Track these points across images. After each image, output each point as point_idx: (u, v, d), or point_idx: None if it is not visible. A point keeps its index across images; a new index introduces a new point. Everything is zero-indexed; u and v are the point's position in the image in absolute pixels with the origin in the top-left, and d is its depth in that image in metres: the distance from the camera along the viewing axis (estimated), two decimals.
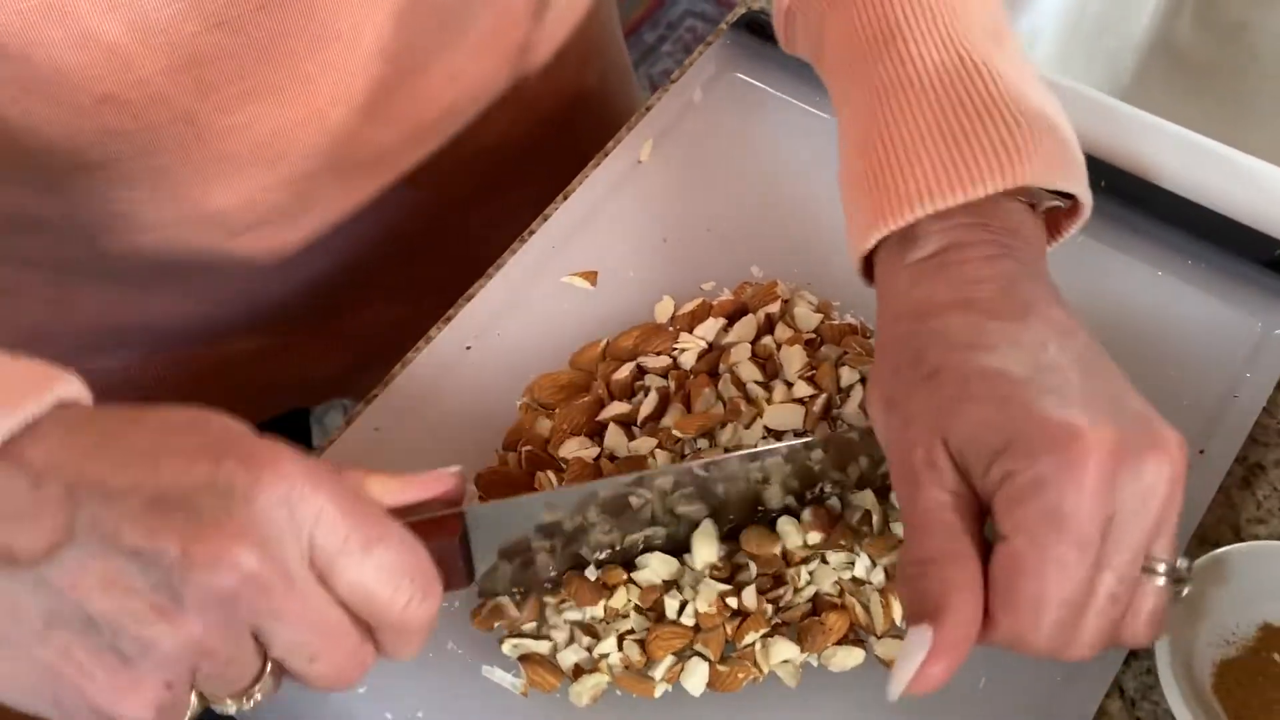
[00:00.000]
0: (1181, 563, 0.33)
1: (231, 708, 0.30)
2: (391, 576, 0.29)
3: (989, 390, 0.32)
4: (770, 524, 0.38)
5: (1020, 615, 0.31)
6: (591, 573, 0.37)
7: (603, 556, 0.38)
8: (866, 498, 0.38)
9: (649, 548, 0.38)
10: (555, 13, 0.56)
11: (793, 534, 0.38)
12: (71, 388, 0.30)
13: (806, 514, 0.38)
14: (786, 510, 0.38)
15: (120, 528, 0.27)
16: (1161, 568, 0.32)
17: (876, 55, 0.38)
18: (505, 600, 0.38)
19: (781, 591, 0.38)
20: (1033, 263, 0.35)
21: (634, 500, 0.36)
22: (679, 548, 0.38)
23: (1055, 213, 0.38)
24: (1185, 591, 0.34)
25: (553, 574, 0.38)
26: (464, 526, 0.34)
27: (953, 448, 0.32)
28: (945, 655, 0.31)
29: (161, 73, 0.41)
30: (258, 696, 0.30)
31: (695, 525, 0.38)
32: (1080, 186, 0.36)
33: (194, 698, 0.29)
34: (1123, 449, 0.31)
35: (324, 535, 0.28)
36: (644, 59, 1.73)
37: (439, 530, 0.33)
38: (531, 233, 0.48)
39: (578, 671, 0.38)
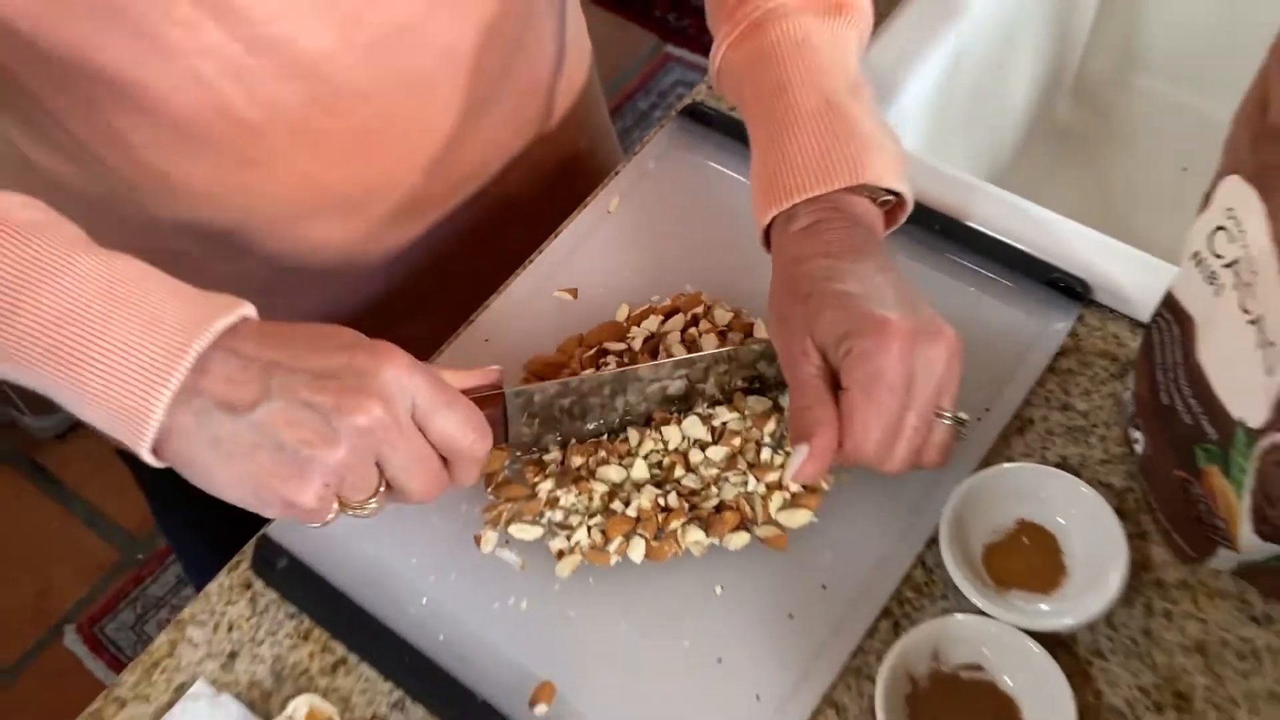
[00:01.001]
0: (962, 414, 0.52)
1: (360, 511, 0.48)
2: (462, 426, 0.49)
3: (837, 302, 0.51)
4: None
5: (856, 437, 0.51)
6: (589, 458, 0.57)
7: (590, 428, 0.57)
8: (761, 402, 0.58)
9: (621, 427, 0.57)
10: (559, 94, 0.76)
11: (728, 415, 0.57)
12: (251, 309, 0.49)
13: (751, 400, 0.58)
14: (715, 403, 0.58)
15: (298, 389, 0.46)
16: (947, 415, 0.52)
17: (773, 101, 0.57)
18: (500, 499, 0.57)
19: (698, 495, 0.56)
20: (869, 232, 0.55)
21: (609, 391, 0.56)
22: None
23: (890, 206, 0.57)
24: (963, 434, 0.53)
25: (557, 439, 0.57)
26: (503, 402, 0.53)
27: (816, 340, 0.52)
28: (815, 460, 0.51)
29: (287, 141, 0.61)
30: (373, 505, 0.48)
31: (649, 417, 0.57)
32: (903, 186, 0.56)
33: (335, 503, 0.47)
34: (917, 333, 0.50)
35: (421, 399, 0.47)
36: (638, 123, 1.94)
37: (489, 403, 0.52)
38: (531, 261, 0.67)
39: (560, 555, 0.56)
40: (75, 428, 1.75)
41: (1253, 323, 0.48)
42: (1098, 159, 1.02)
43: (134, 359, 0.46)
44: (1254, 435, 0.48)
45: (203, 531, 0.86)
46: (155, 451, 0.47)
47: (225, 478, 0.47)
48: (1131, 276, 0.63)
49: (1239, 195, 0.49)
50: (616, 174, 0.71)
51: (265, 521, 0.59)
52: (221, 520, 0.65)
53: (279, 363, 0.47)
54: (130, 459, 0.84)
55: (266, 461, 0.46)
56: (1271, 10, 0.92)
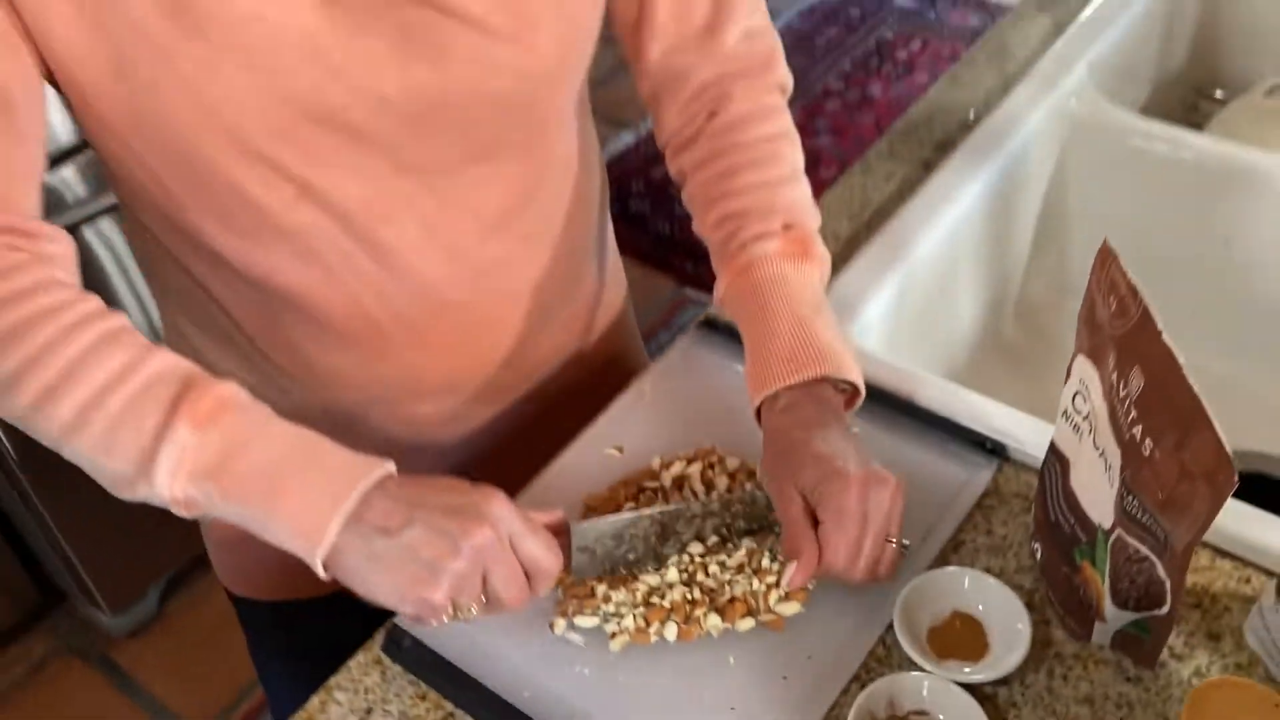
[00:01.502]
0: (905, 540, 0.73)
1: (465, 615, 0.69)
2: (543, 550, 0.69)
3: (811, 461, 0.73)
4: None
5: (829, 557, 0.72)
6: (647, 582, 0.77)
7: (632, 558, 0.77)
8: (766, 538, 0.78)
9: (657, 555, 0.78)
10: (602, 311, 1.00)
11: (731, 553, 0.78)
12: (394, 467, 0.70)
13: (747, 540, 0.78)
14: (721, 539, 0.78)
15: (433, 520, 0.67)
16: (894, 540, 0.72)
17: (759, 319, 0.80)
18: (566, 597, 0.77)
19: (715, 591, 0.76)
20: (833, 410, 0.77)
21: (643, 528, 0.76)
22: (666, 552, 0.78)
23: (848, 394, 0.79)
24: (908, 554, 0.74)
25: (605, 560, 0.77)
26: (567, 534, 0.73)
27: (798, 487, 0.73)
28: (802, 572, 0.72)
29: (406, 339, 0.84)
30: (474, 610, 0.69)
31: (681, 546, 0.78)
32: (856, 378, 0.78)
33: (450, 608, 0.68)
34: (868, 481, 0.71)
35: (515, 529, 0.68)
36: (659, 350, 2.20)
37: (558, 535, 0.73)
38: (586, 430, 0.90)
39: (612, 636, 0.76)
40: (148, 625, 1.93)
41: (1100, 455, 0.69)
42: (1039, 372, 1.25)
43: (316, 497, 0.68)
44: (1107, 533, 0.69)
45: (288, 661, 1.05)
46: (325, 564, 0.68)
47: (378, 582, 0.68)
48: (1033, 438, 0.84)
49: (1085, 369, 0.71)
50: (651, 367, 0.94)
51: (348, 645, 0.79)
52: (303, 651, 0.86)
53: (419, 502, 0.68)
54: (236, 599, 1.05)
55: (409, 571, 0.67)
56: (1168, 244, 1.17)
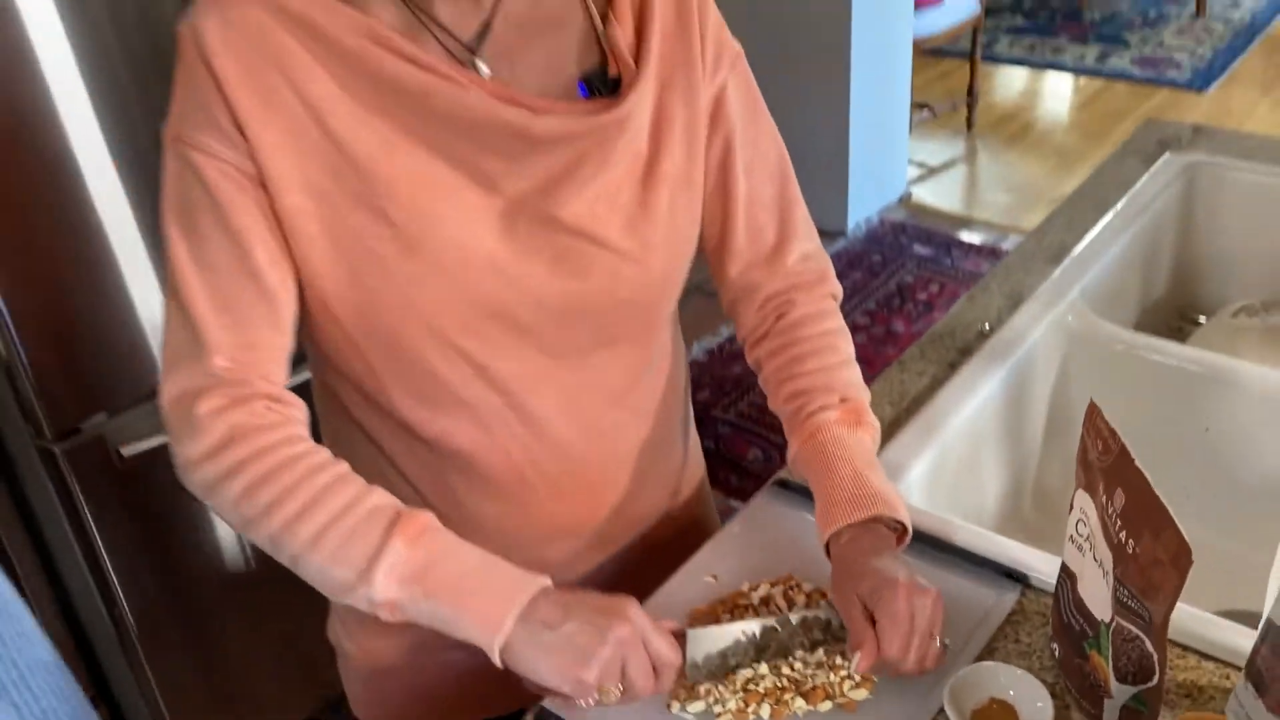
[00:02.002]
0: (946, 640, 0.93)
1: (606, 697, 0.89)
2: (667, 648, 0.90)
3: (870, 575, 0.94)
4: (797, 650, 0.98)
5: (885, 651, 0.91)
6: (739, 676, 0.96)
7: (734, 663, 0.96)
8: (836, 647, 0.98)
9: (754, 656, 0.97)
10: (686, 479, 1.22)
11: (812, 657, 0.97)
12: (549, 581, 0.92)
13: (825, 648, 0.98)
14: (800, 645, 0.98)
15: (586, 617, 0.88)
16: (937, 639, 0.92)
17: (824, 473, 1.02)
18: (679, 685, 0.96)
19: (800, 681, 0.96)
20: (887, 542, 0.98)
21: (744, 640, 0.96)
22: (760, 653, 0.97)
23: (899, 532, 1.01)
24: (947, 651, 0.93)
25: (714, 666, 0.96)
26: (683, 639, 0.94)
27: (859, 596, 0.93)
28: (865, 660, 0.92)
29: (545, 492, 1.07)
30: (615, 695, 0.89)
31: (772, 655, 0.97)
32: (905, 519, 1.00)
33: (596, 691, 0.88)
34: (914, 590, 0.92)
35: (646, 629, 0.89)
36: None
37: (675, 638, 0.93)
38: (686, 563, 1.11)
39: (717, 716, 0.95)
40: None
41: (1099, 564, 0.91)
42: (1055, 549, 1.45)
43: (496, 599, 0.90)
44: (1108, 624, 0.89)
45: None
46: (500, 651, 0.89)
47: (543, 665, 0.88)
48: (1049, 568, 1.05)
49: (1083, 499, 0.93)
50: (736, 514, 1.16)
51: None
52: None
53: (573, 604, 0.90)
54: None
55: (567, 656, 0.88)
56: (1156, 432, 1.39)
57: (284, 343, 0.95)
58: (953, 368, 1.35)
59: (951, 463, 1.27)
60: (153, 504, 1.84)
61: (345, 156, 0.91)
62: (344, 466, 0.94)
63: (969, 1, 4.23)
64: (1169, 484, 0.86)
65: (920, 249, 3.73)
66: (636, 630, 0.89)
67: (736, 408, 3.05)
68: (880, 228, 3.87)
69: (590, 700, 0.89)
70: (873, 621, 0.93)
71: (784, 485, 1.19)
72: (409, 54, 0.91)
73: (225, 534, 1.95)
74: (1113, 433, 0.88)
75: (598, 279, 0.98)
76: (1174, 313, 1.76)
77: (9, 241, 1.57)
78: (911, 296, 3.48)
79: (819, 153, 3.72)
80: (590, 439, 1.07)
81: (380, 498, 0.92)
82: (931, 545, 1.09)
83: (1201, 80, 4.72)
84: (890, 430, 1.25)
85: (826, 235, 3.74)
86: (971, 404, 1.30)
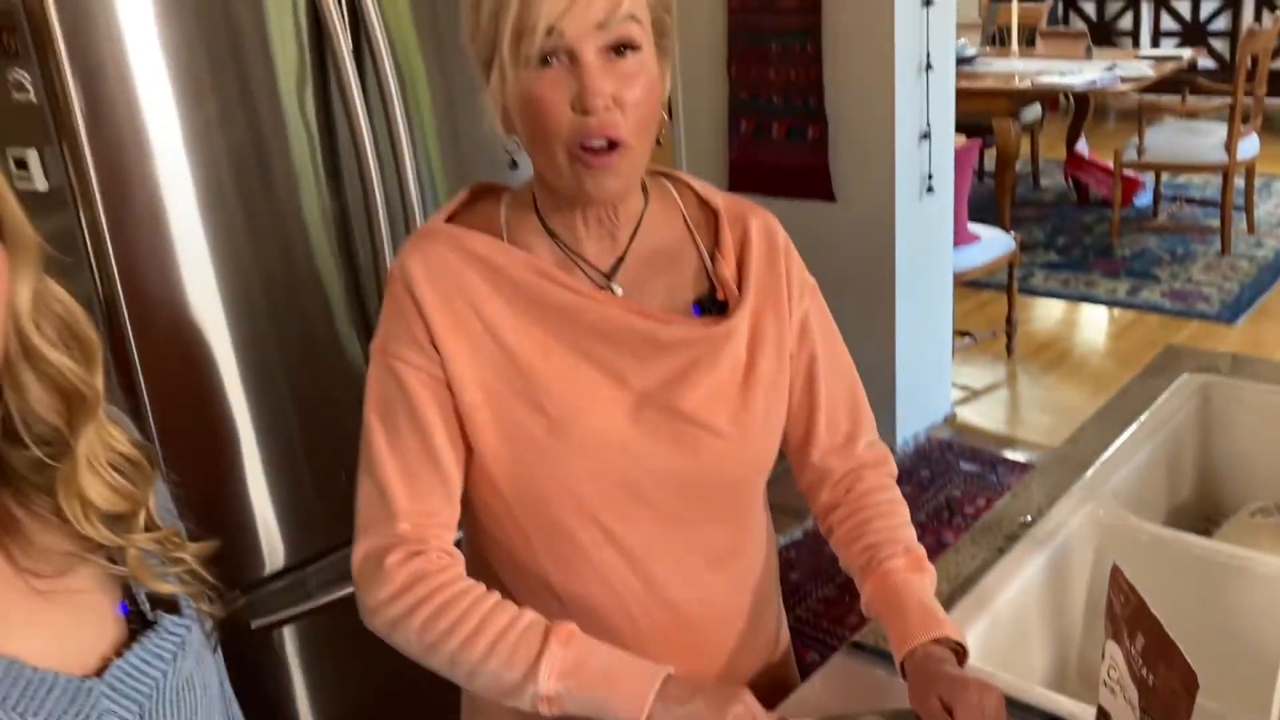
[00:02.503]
0: None
1: None
2: None
3: (943, 677, 1.14)
4: None
5: None
6: None
7: None
8: None
9: None
10: (781, 642, 1.42)
11: None
12: (673, 669, 1.12)
13: None
14: None
15: (709, 698, 1.09)
16: None
17: (894, 608, 1.23)
18: None
19: None
20: (952, 658, 1.17)
21: None
22: None
23: (960, 654, 1.20)
24: None
25: None
26: None
27: (935, 694, 1.13)
28: None
29: (661, 647, 1.28)
30: None
31: None
32: (964, 642, 1.19)
33: None
34: (982, 685, 1.12)
35: (758, 712, 1.09)
36: None
37: None
38: (784, 701, 1.29)
39: None
40: None
41: (1127, 700, 1.09)
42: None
43: (637, 684, 1.10)
44: None
45: None
46: None
47: None
48: (1088, 714, 1.23)
49: (1112, 649, 1.12)
50: (823, 666, 1.35)
51: None
52: None
53: (698, 687, 1.10)
54: None
55: None
56: (1183, 613, 1.58)
57: (454, 512, 1.19)
58: (1000, 552, 1.55)
59: (1000, 637, 1.46)
60: (278, 671, 2.04)
61: (512, 361, 1.17)
62: (496, 596, 1.16)
63: (1004, 239, 4.58)
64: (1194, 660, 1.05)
65: (966, 465, 3.93)
66: (749, 710, 1.08)
67: (794, 613, 3.21)
68: (928, 445, 4.09)
69: None
70: (949, 713, 1.12)
71: (859, 647, 1.38)
72: (563, 282, 1.18)
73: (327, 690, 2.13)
74: (1131, 588, 1.08)
75: (707, 458, 1.22)
76: (1200, 515, 1.96)
77: (176, 437, 1.84)
78: (959, 510, 3.66)
79: (868, 375, 3.98)
80: (697, 599, 1.28)
81: (533, 615, 1.15)
82: None
83: (1230, 313, 4.99)
84: (946, 605, 1.44)
85: None
86: (1016, 585, 1.49)
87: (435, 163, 2.06)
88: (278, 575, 2.03)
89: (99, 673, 0.86)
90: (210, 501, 1.91)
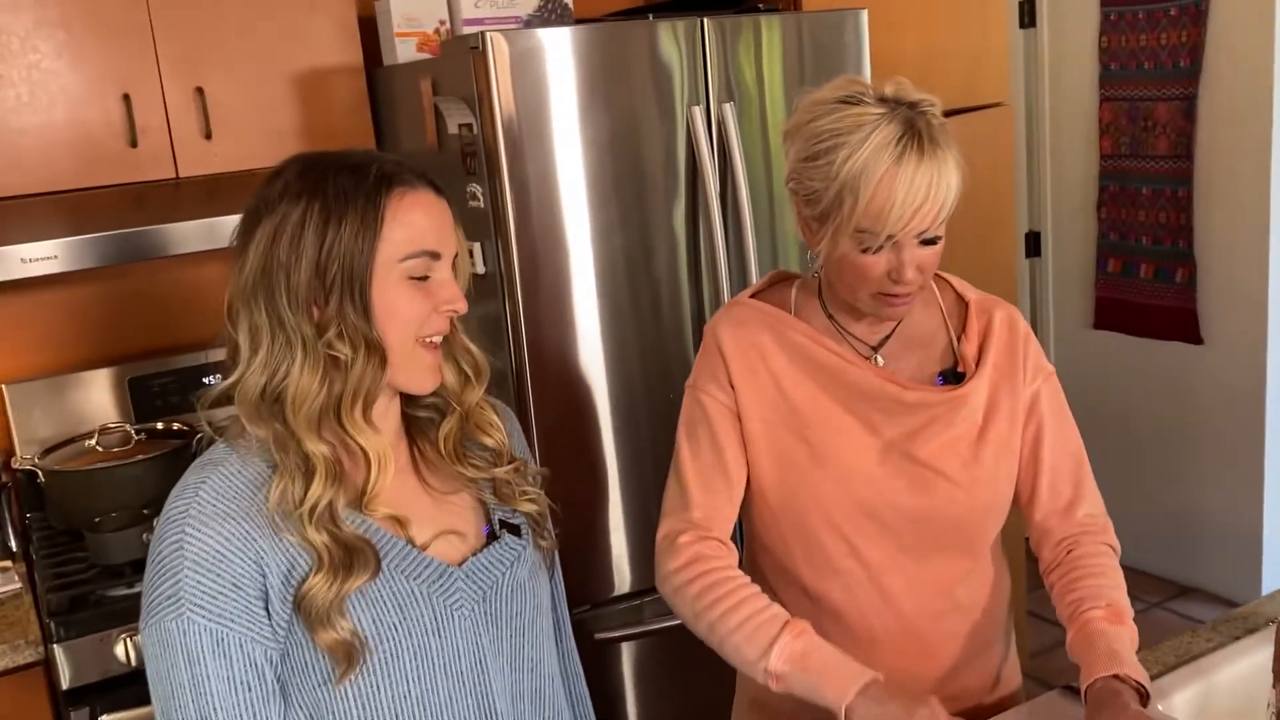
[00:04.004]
0: None
1: None
2: None
3: (1113, 709, 1.34)
4: None
5: None
6: None
7: None
8: None
9: None
10: (1001, 681, 1.65)
11: None
12: (880, 675, 1.41)
13: None
14: None
15: (903, 700, 1.36)
16: None
17: (1087, 649, 1.43)
18: None
19: None
20: (1132, 694, 1.37)
21: None
22: None
23: (1141, 692, 1.39)
24: None
25: None
26: None
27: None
28: None
29: (897, 649, 1.56)
30: None
31: None
32: (1146, 683, 1.39)
33: None
34: (1141, 714, 1.32)
35: (941, 716, 1.35)
36: None
37: None
38: None
39: None
40: None
41: None
42: None
43: (847, 678, 1.39)
44: None
45: None
46: (845, 712, 1.37)
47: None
48: None
49: (1271, 696, 1.29)
50: (1039, 697, 1.57)
51: None
52: None
53: (897, 690, 1.38)
54: None
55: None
56: None
57: (733, 513, 1.57)
58: (1235, 639, 1.68)
59: (1218, 710, 1.60)
60: (615, 679, 2.46)
61: (788, 403, 1.54)
62: (758, 588, 1.51)
63: None
64: None
65: None
66: (934, 714, 1.34)
67: None
68: None
69: None
70: None
71: (1071, 690, 1.59)
72: (833, 349, 1.54)
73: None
74: None
75: (939, 499, 1.51)
76: None
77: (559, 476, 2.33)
78: None
79: (1229, 525, 3.92)
80: (927, 615, 1.57)
81: (778, 608, 1.48)
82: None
83: None
84: (1163, 675, 1.61)
85: (1235, 604, 3.89)
86: (1242, 666, 1.63)
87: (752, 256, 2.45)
88: (621, 598, 2.46)
89: (460, 564, 1.30)
90: (581, 530, 2.38)
